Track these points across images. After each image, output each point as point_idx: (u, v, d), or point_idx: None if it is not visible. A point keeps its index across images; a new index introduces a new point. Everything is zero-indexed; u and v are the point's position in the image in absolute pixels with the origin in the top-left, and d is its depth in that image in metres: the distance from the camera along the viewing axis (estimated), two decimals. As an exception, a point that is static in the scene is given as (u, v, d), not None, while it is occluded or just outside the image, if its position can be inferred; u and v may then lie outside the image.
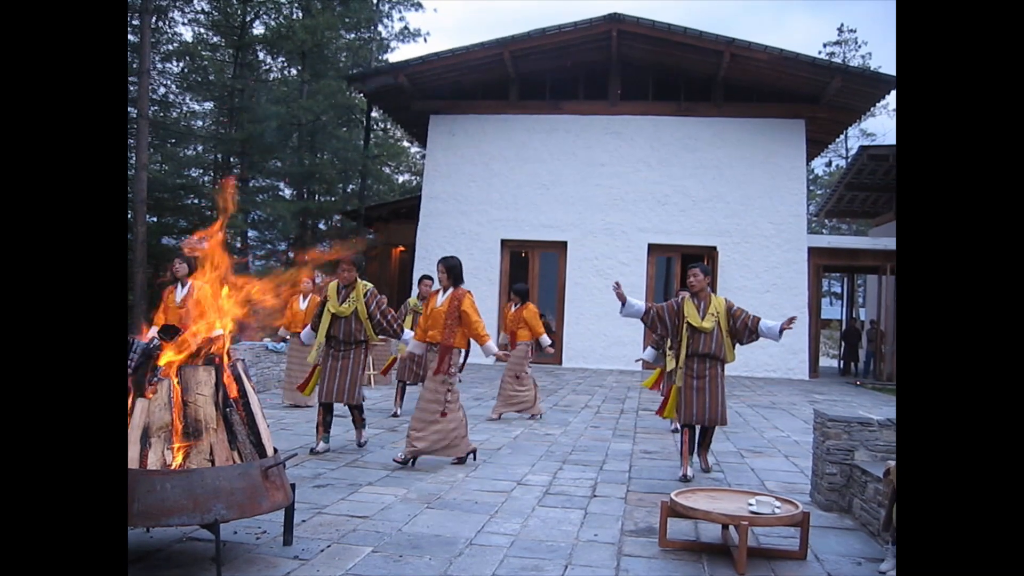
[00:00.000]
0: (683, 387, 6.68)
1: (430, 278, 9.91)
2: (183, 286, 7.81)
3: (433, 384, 6.72)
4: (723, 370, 6.76)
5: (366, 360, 7.65)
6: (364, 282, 7.47)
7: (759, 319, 6.64)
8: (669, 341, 7.63)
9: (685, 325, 6.66)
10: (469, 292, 6.91)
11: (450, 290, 6.85)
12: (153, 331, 7.41)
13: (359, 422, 7.58)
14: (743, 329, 6.64)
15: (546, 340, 10.36)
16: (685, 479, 6.52)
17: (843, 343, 23.97)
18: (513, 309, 10.40)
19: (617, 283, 6.75)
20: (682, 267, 19.73)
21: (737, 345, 6.81)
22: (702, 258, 19.66)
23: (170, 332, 4.13)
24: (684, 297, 6.80)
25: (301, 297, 10.75)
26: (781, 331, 6.51)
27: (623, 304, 6.70)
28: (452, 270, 6.87)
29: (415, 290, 11.74)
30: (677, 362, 6.81)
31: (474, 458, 7.05)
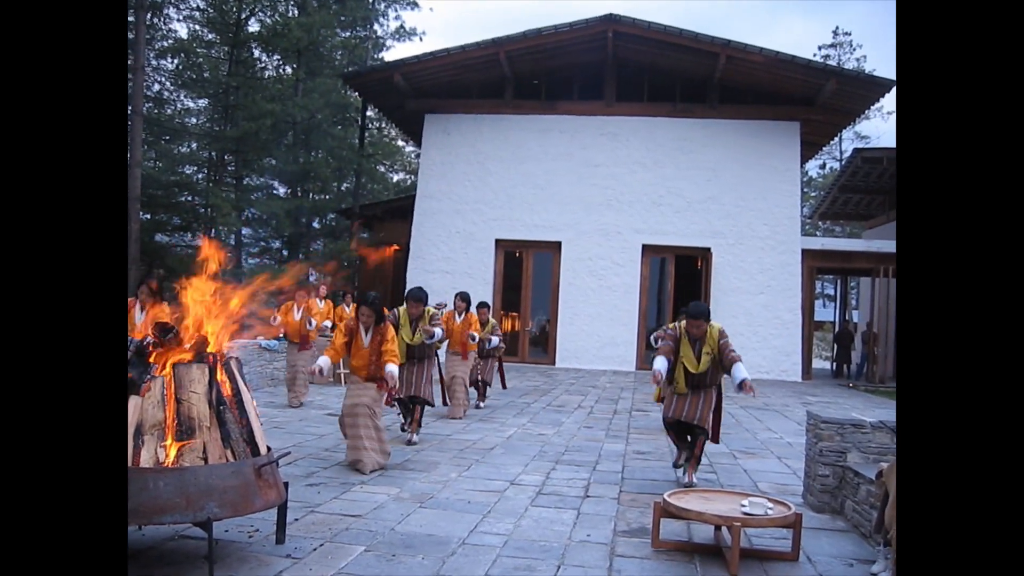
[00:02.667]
0: (675, 397, 6.57)
1: (467, 300, 10.62)
2: (143, 310, 7.35)
3: (369, 397, 6.70)
4: (719, 389, 6.63)
5: (434, 366, 8.46)
6: (429, 308, 8.28)
7: (735, 361, 6.32)
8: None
9: (680, 364, 6.48)
10: (391, 327, 6.97)
11: (371, 328, 6.78)
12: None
13: (417, 422, 8.11)
14: (722, 360, 6.41)
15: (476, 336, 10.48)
16: (676, 465, 6.72)
17: (836, 345, 24.02)
18: (459, 320, 10.32)
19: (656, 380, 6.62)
20: (676, 268, 19.79)
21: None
22: (696, 259, 19.69)
23: (164, 330, 4.11)
24: (682, 333, 6.55)
25: (295, 308, 10.83)
26: (740, 385, 6.22)
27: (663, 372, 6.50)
28: (378, 311, 6.83)
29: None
30: (672, 387, 6.63)
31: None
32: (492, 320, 11.35)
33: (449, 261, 19.79)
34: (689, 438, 6.66)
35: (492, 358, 11.37)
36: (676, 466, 6.76)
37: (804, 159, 23.25)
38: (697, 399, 6.50)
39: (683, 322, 6.66)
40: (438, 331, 8.18)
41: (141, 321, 7.07)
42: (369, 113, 27.43)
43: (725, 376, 6.62)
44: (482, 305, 11.19)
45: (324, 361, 6.68)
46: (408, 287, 17.56)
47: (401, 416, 8.53)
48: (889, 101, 41.52)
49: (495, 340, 11.16)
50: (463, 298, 10.50)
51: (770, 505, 4.55)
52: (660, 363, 6.43)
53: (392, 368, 6.62)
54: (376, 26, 32.72)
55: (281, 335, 11.60)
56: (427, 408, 10.27)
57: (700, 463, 6.68)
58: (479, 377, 11.20)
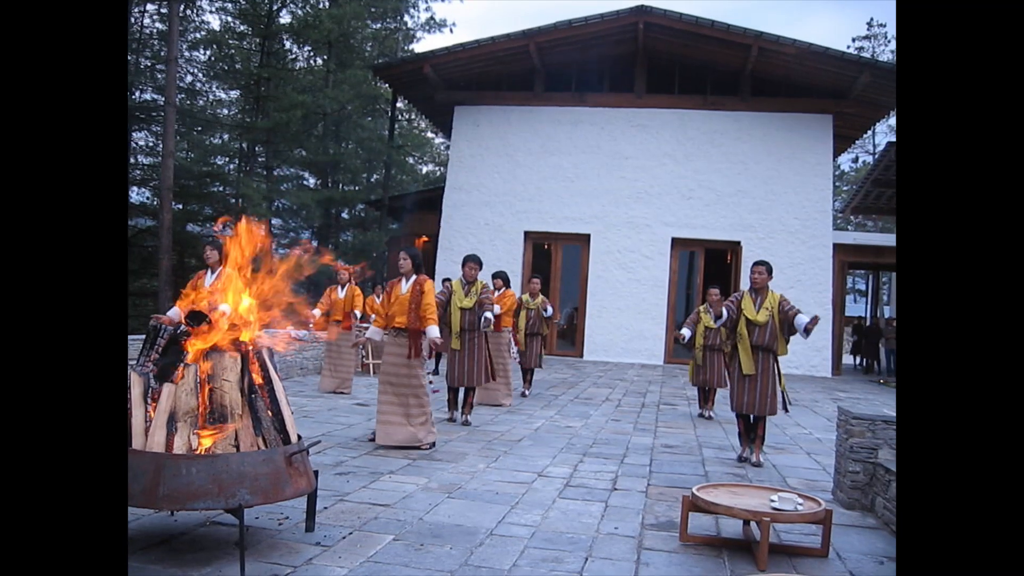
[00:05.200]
0: (736, 377, 7.14)
1: (537, 277, 12.09)
2: (213, 272, 7.87)
3: (408, 369, 7.01)
4: (776, 362, 7.14)
5: (487, 347, 8.69)
6: (480, 280, 8.68)
7: (797, 312, 7.01)
8: (700, 339, 9.32)
9: (742, 318, 7.10)
10: (430, 279, 7.19)
11: (413, 277, 7.12)
12: (175, 312, 7.50)
13: (470, 404, 8.58)
14: (784, 321, 7.03)
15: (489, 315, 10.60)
16: (740, 460, 7.27)
17: (863, 340, 23.72)
18: (496, 295, 10.36)
19: (681, 335, 7.62)
20: (705, 261, 19.68)
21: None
22: (726, 253, 19.58)
23: (197, 318, 4.15)
24: (743, 293, 7.25)
25: (339, 287, 11.06)
26: (806, 329, 6.86)
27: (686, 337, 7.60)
28: (415, 259, 7.18)
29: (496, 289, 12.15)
30: (735, 353, 7.22)
31: (432, 446, 7.13)
32: (541, 296, 11.86)
33: (478, 253, 19.58)
34: (753, 419, 7.24)
35: (535, 339, 11.65)
36: (741, 460, 7.28)
37: (837, 152, 22.97)
38: (755, 388, 7.03)
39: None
40: (488, 315, 8.43)
41: (210, 283, 7.57)
42: (399, 105, 27.51)
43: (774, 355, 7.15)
44: (534, 277, 12.12)
45: (373, 332, 7.49)
46: (437, 279, 17.65)
47: (447, 405, 8.85)
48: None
49: (549, 310, 11.76)
50: (501, 277, 10.67)
51: (800, 501, 4.52)
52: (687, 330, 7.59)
53: (433, 330, 6.96)
54: (406, 17, 32.82)
55: (316, 316, 11.72)
56: (503, 405, 10.41)
57: (764, 441, 7.33)
58: (526, 365, 11.61)
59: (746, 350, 7.07)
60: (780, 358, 7.14)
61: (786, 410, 7.25)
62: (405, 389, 6.97)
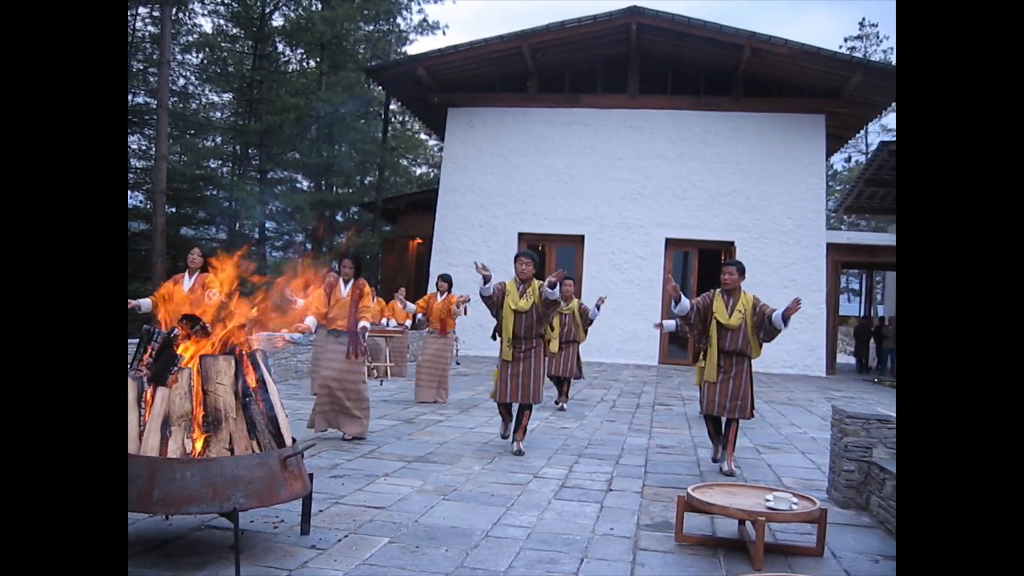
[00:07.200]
0: (710, 381, 6.79)
1: (571, 278, 10.66)
2: (191, 276, 7.89)
3: (352, 366, 7.38)
4: (750, 365, 6.81)
5: (546, 358, 7.82)
6: (536, 279, 7.28)
7: (774, 310, 6.58)
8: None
9: (713, 321, 6.73)
10: (367, 283, 7.56)
11: (351, 281, 7.45)
12: (142, 301, 7.52)
13: (524, 428, 7.34)
14: (761, 322, 6.60)
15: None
16: (715, 460, 7.07)
17: (855, 340, 23.81)
18: (440, 298, 10.58)
19: (670, 280, 6.85)
20: (699, 262, 19.73)
21: (763, 343, 6.81)
22: (720, 253, 19.61)
23: (191, 321, 4.14)
24: (715, 293, 6.87)
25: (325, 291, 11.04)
26: (784, 318, 6.43)
27: (677, 301, 6.70)
28: (358, 264, 7.57)
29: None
30: (705, 357, 6.87)
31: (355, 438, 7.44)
32: (576, 300, 11.03)
33: (472, 254, 19.80)
34: (724, 423, 6.98)
35: (570, 347, 10.72)
36: (716, 460, 7.10)
37: (829, 152, 23.03)
38: (727, 389, 6.70)
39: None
40: (554, 291, 6.99)
41: (189, 286, 7.64)
42: (392, 107, 27.49)
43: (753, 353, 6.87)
44: (567, 278, 11.01)
45: (310, 320, 7.26)
46: (431, 280, 17.63)
47: (501, 423, 7.69)
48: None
49: (594, 310, 10.94)
50: (444, 278, 10.76)
51: (795, 500, 4.53)
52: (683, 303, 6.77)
53: (364, 324, 7.29)
54: (399, 20, 32.80)
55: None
56: (437, 402, 10.35)
57: (735, 447, 6.95)
58: (559, 373, 10.61)
59: (712, 355, 6.71)
60: (777, 358, 7.05)
61: (750, 415, 6.85)
62: (349, 385, 7.32)
